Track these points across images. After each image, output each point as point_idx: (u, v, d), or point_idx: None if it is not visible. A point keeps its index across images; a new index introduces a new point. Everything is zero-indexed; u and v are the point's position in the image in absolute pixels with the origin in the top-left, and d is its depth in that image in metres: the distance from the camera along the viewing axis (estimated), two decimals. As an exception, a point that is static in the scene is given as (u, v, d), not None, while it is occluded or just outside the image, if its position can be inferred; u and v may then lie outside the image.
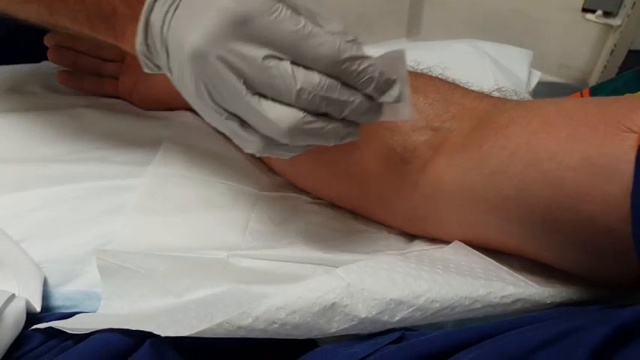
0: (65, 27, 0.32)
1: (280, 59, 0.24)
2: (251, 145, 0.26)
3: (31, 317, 0.29)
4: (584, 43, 1.59)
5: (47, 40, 0.45)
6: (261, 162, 0.41)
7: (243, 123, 0.26)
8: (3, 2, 0.33)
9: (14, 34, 0.48)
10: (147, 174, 0.37)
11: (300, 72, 0.24)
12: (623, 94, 0.39)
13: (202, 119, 0.43)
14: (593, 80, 1.62)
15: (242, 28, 0.24)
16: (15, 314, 0.28)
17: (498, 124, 0.29)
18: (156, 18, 0.27)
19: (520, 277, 0.29)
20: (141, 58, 0.29)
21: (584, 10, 1.53)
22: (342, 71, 0.25)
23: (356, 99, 0.26)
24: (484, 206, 0.29)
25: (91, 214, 0.34)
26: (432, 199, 0.31)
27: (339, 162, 0.34)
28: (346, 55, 0.25)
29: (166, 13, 0.26)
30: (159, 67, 0.29)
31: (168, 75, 0.28)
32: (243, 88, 0.24)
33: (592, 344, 0.18)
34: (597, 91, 0.42)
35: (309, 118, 0.25)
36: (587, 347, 0.17)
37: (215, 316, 0.25)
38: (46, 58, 0.47)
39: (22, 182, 0.35)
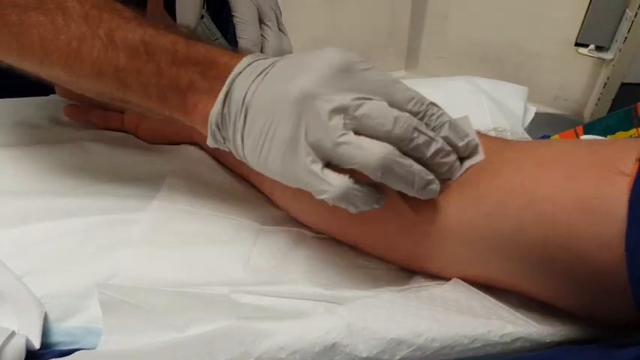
0: (129, 101, 0.34)
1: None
2: (331, 189, 0.28)
3: (31, 354, 0.29)
4: (578, 76, 1.63)
5: None
6: (264, 196, 0.42)
7: (326, 167, 0.28)
8: (71, 77, 0.33)
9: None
10: (151, 208, 0.37)
11: (394, 109, 0.28)
12: (615, 132, 0.40)
13: (206, 154, 0.44)
14: (587, 112, 1.65)
15: (344, 75, 0.28)
16: (15, 352, 0.28)
17: (494, 165, 0.29)
18: (239, 88, 0.30)
19: (519, 314, 0.29)
20: (212, 129, 0.31)
21: (578, 44, 1.57)
22: (425, 113, 0.29)
23: (438, 139, 0.29)
24: (482, 245, 0.29)
25: (94, 248, 0.34)
26: (431, 237, 0.31)
27: None
28: (428, 100, 0.29)
29: (252, 82, 0.30)
30: (224, 141, 0.32)
31: (234, 145, 0.31)
32: (342, 124, 0.27)
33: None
34: (590, 128, 0.43)
35: (399, 152, 0.28)
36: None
37: (217, 356, 0.25)
38: (53, 92, 0.48)
39: (25, 216, 0.36)
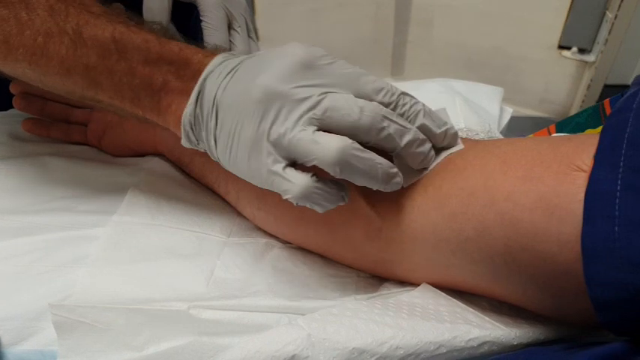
0: (101, 101, 0.32)
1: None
2: (293, 188, 0.27)
3: (-20, 380, 0.27)
4: (562, 79, 1.64)
5: (13, 88, 0.45)
6: (230, 207, 0.40)
7: (288, 166, 0.27)
8: (38, 74, 0.32)
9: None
10: (111, 224, 0.36)
11: (361, 100, 0.27)
12: (585, 129, 0.39)
13: (171, 165, 0.43)
14: (573, 113, 1.65)
15: (308, 70, 0.27)
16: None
17: (457, 165, 0.29)
18: (209, 87, 0.29)
19: (487, 318, 0.28)
20: (185, 130, 0.30)
21: (560, 47, 1.58)
22: (396, 103, 0.28)
23: (411, 127, 0.28)
24: (447, 248, 0.28)
25: (50, 267, 0.33)
26: (397, 241, 0.30)
27: (305, 208, 0.34)
28: (399, 90, 0.28)
29: (222, 81, 0.29)
30: (198, 142, 0.31)
31: (208, 146, 0.30)
32: (303, 120, 0.26)
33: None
34: (562, 126, 0.43)
35: (358, 146, 0.26)
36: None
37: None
38: (12, 106, 0.46)
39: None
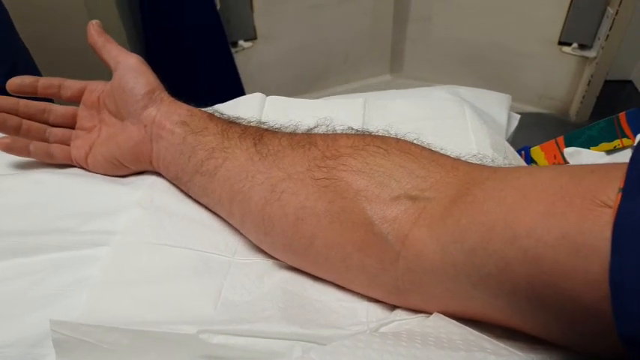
0: None
1: None
2: None
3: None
4: (562, 75, 1.63)
5: None
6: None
7: None
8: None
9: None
10: (113, 243, 0.35)
11: None
12: (598, 143, 0.38)
13: (170, 182, 0.42)
14: (573, 110, 1.65)
15: None
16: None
17: (476, 197, 0.28)
18: None
19: (502, 345, 0.27)
20: None
21: (561, 43, 1.57)
22: None
23: None
24: (467, 281, 0.27)
25: (50, 289, 0.32)
26: (415, 272, 0.30)
27: (316, 235, 0.33)
28: None
29: None
30: None
31: None
32: None
33: None
34: (571, 139, 0.42)
35: None
36: None
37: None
38: None
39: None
